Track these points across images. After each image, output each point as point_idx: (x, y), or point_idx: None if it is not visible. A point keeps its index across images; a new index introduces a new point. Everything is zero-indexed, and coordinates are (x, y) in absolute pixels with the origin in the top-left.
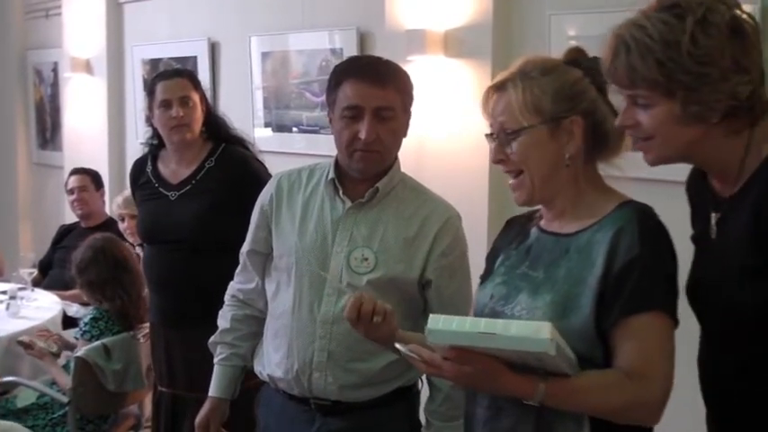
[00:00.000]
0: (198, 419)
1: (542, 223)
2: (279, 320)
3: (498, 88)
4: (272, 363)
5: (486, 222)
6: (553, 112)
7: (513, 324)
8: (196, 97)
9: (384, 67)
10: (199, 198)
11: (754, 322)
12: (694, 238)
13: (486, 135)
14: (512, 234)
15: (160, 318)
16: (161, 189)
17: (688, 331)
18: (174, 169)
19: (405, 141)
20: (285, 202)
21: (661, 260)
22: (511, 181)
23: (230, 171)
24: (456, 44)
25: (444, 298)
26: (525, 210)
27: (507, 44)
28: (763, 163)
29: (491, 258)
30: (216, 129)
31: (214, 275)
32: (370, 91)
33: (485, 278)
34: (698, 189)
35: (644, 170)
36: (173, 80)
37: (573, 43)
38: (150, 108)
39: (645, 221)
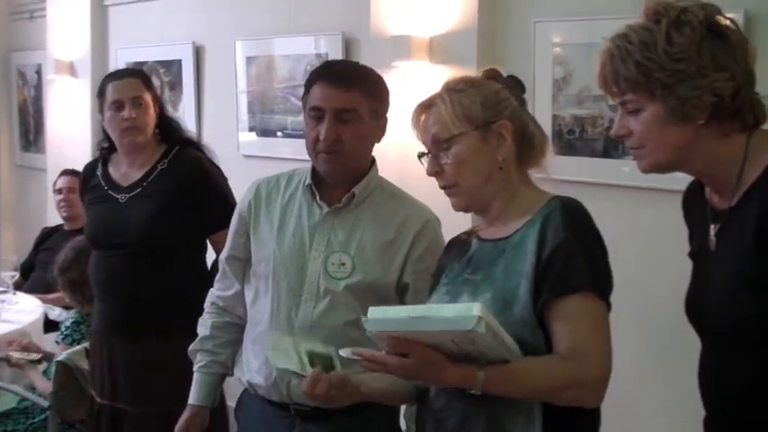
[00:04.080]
0: (177, 427)
1: (481, 233)
2: (258, 327)
3: (426, 107)
4: (251, 369)
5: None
6: (483, 118)
7: (445, 306)
8: (148, 98)
9: (353, 70)
10: (149, 200)
11: (757, 333)
12: (692, 254)
13: (419, 154)
14: (454, 251)
15: (103, 326)
16: (110, 192)
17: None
18: (124, 172)
19: (389, 147)
20: (263, 208)
21: (585, 243)
22: (446, 190)
23: (183, 173)
24: (441, 50)
25: (422, 302)
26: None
27: (492, 51)
28: (765, 172)
29: (436, 275)
30: (169, 131)
31: (161, 282)
32: (332, 93)
33: (430, 292)
34: (695, 204)
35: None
36: (124, 80)
37: (558, 50)
38: (101, 110)
39: (568, 210)
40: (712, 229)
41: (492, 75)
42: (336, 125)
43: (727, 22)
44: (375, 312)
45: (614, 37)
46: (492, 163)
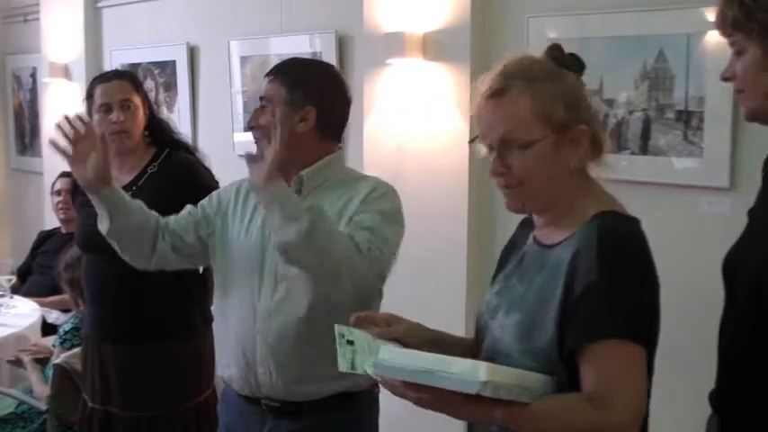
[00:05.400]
0: None
1: (535, 231)
2: (226, 320)
3: (497, 94)
4: (223, 363)
5: (466, 223)
6: (564, 120)
7: (455, 362)
8: (137, 100)
9: (280, 63)
10: None
11: None
12: (751, 212)
13: (472, 139)
14: (522, 235)
15: (94, 330)
16: None
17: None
18: (115, 176)
19: (384, 142)
20: (241, 203)
21: (620, 285)
22: (506, 189)
23: (175, 176)
24: (435, 47)
25: (355, 222)
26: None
27: (486, 46)
28: None
29: (504, 255)
30: (159, 133)
31: (152, 287)
32: (265, 84)
33: (493, 277)
34: None
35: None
36: (112, 83)
37: None
38: (89, 113)
39: (605, 242)
40: None
41: (555, 53)
42: (257, 111)
43: None
44: (385, 353)
45: None
46: (562, 169)
